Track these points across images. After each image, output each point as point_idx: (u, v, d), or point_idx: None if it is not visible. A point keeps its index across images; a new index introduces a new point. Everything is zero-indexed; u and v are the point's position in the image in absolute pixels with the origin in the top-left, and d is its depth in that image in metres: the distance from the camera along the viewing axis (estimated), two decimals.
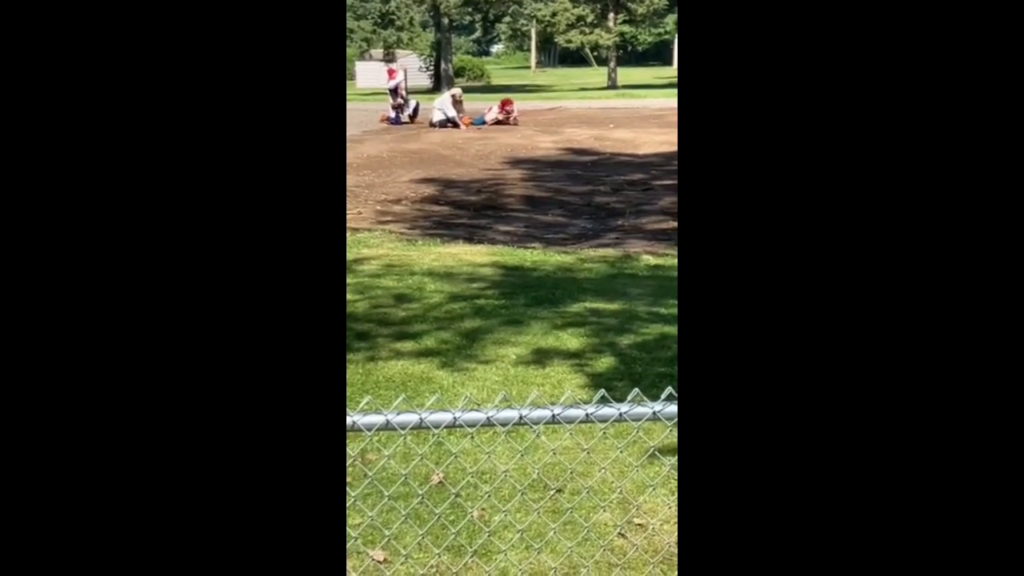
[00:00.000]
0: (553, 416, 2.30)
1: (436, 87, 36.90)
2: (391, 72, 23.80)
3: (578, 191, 12.99)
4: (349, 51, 45.32)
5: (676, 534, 1.90)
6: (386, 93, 23.20)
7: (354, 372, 5.33)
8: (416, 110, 22.87)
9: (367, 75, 42.24)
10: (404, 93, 22.99)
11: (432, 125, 21.22)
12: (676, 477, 1.70)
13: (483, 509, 3.69)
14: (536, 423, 2.30)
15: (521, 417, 2.29)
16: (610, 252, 9.05)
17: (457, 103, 21.49)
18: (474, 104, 23.97)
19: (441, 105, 21.63)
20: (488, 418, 2.29)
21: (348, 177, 13.86)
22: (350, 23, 40.40)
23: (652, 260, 8.62)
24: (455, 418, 2.27)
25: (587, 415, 2.30)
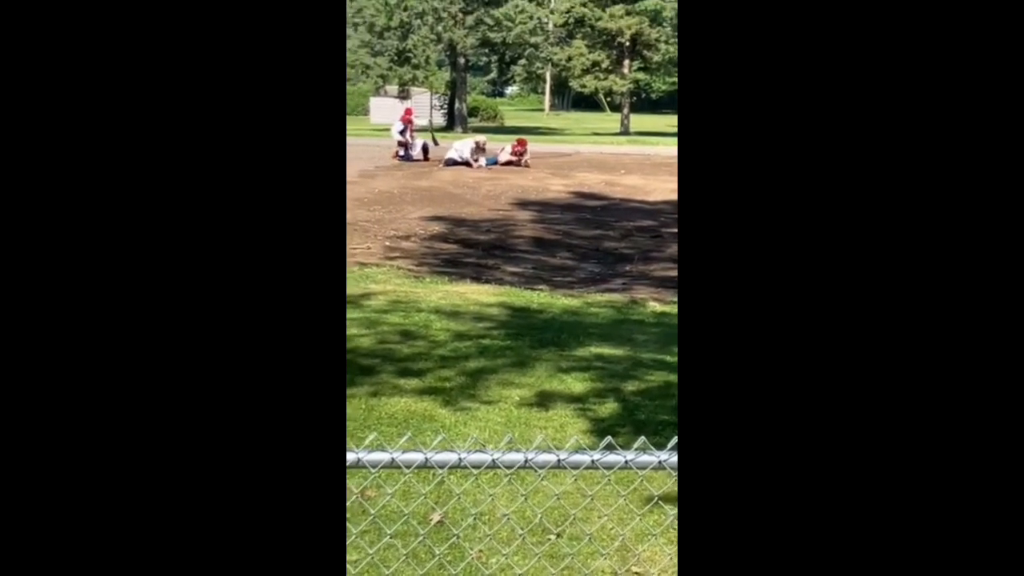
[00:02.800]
0: (558, 461, 2.30)
1: (450, 126, 37.12)
2: (408, 112, 23.89)
3: (587, 235, 13.02)
4: (364, 87, 45.64)
5: None
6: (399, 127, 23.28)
7: (357, 407, 5.32)
8: (426, 149, 22.96)
9: (381, 111, 42.50)
10: (411, 135, 23.06)
11: (445, 164, 21.31)
12: (677, 527, 1.70)
13: (482, 551, 3.67)
14: (541, 467, 2.30)
15: (526, 460, 2.29)
16: (617, 297, 9.06)
17: (479, 150, 21.60)
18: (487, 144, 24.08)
19: (460, 147, 21.76)
20: (493, 460, 2.28)
21: (358, 212, 13.92)
22: (366, 59, 40.72)
23: (659, 307, 8.62)
24: (460, 459, 2.26)
25: (592, 461, 2.29)
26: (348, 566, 3.41)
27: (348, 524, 3.65)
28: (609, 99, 47.26)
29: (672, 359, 6.49)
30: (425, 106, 37.78)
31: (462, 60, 40.99)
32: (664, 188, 18.45)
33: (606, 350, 6.82)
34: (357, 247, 11.23)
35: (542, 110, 59.31)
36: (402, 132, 22.98)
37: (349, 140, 29.57)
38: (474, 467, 2.27)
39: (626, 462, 2.30)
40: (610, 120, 45.28)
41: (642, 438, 2.39)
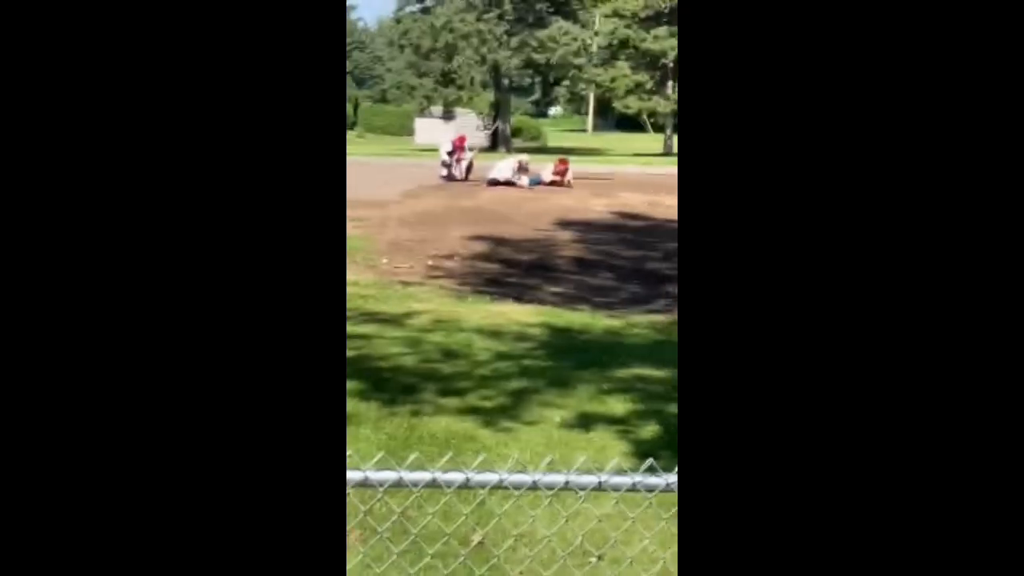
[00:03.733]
0: (599, 483, 2.29)
1: (494, 146, 37.27)
2: (462, 139, 24.05)
3: (629, 255, 12.99)
4: (409, 107, 45.95)
5: None
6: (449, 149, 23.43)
7: (398, 426, 5.33)
8: (470, 167, 23.08)
9: (426, 131, 42.77)
10: (458, 158, 23.17)
11: (488, 184, 21.39)
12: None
13: (522, 572, 3.66)
14: (582, 489, 2.29)
15: (567, 482, 2.28)
16: (659, 318, 9.01)
17: (523, 169, 21.68)
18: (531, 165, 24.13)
19: (503, 167, 21.85)
20: (534, 481, 2.28)
21: (401, 231, 14.00)
22: (412, 80, 41.01)
23: None
24: (501, 479, 2.26)
25: (633, 483, 2.28)
26: None
27: (389, 544, 3.65)
28: (652, 120, 47.17)
29: None
30: (470, 127, 37.96)
31: (506, 81, 41.19)
32: None
33: (648, 371, 6.79)
34: (400, 266, 11.29)
35: (585, 131, 59.36)
36: (450, 153, 23.13)
37: (393, 160, 29.79)
38: (515, 488, 2.27)
39: (667, 485, 2.28)
40: (653, 141, 45.22)
41: None
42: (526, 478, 2.27)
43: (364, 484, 2.21)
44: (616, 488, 2.30)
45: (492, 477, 2.26)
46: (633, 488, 2.28)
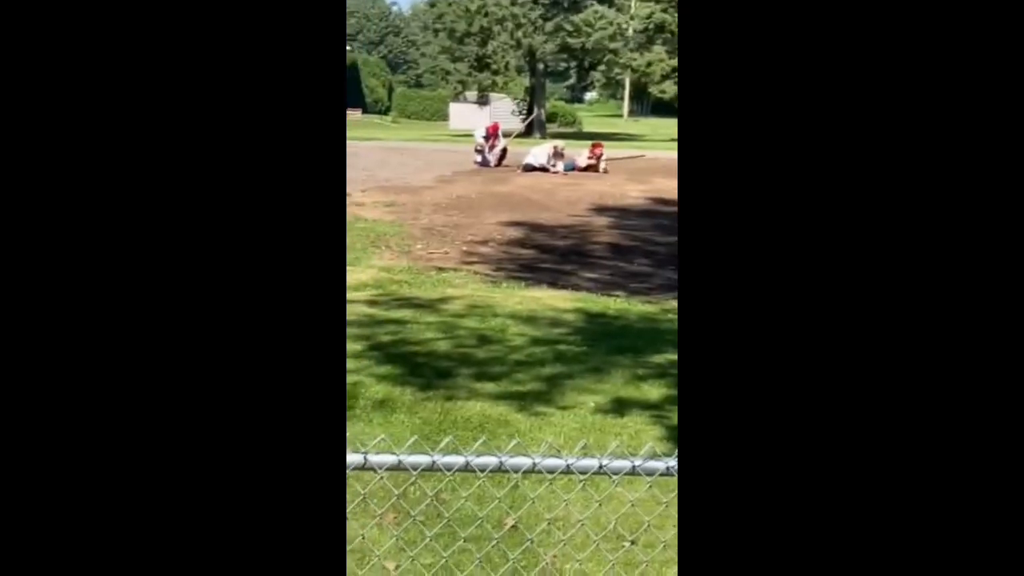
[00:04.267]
0: (633, 467, 2.29)
1: (529, 132, 37.25)
2: (495, 126, 24.00)
3: (664, 242, 12.94)
4: (444, 93, 45.93)
5: None
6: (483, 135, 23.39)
7: (432, 411, 5.35)
8: (504, 153, 23.04)
9: (460, 117, 42.78)
10: (491, 145, 23.12)
11: (523, 169, 21.37)
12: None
13: (556, 556, 3.67)
14: (615, 473, 2.29)
15: (601, 466, 2.28)
16: None
17: (558, 154, 21.61)
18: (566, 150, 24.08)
19: (538, 153, 21.80)
20: (568, 465, 2.28)
21: (435, 217, 14.02)
22: (446, 65, 41.00)
23: None
24: (534, 463, 2.27)
25: (667, 468, 2.28)
26: (422, 568, 3.43)
27: (422, 527, 3.68)
28: None
29: None
30: (505, 112, 37.89)
31: (541, 66, 41.08)
32: None
33: None
34: (435, 252, 11.31)
35: (621, 116, 59.12)
36: (484, 139, 23.11)
37: (428, 145, 29.82)
38: (548, 472, 2.27)
39: None
40: None
41: None
42: (559, 462, 2.28)
43: (397, 468, 2.22)
44: (650, 473, 2.29)
45: (525, 461, 2.27)
46: (667, 473, 2.28)
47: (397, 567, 3.56)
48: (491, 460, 2.25)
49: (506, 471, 2.27)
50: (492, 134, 23.30)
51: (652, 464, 2.29)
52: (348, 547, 3.19)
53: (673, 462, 2.27)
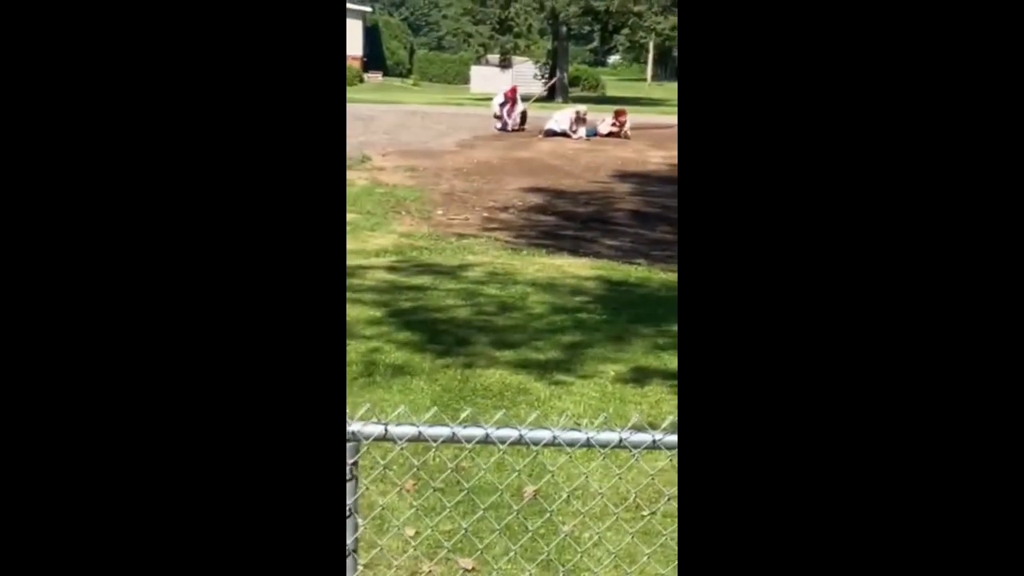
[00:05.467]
0: (654, 442, 2.27)
1: (551, 96, 37.01)
2: (513, 89, 23.81)
3: None
4: (466, 56, 45.67)
5: None
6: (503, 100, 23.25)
7: (452, 378, 5.36)
8: (524, 116, 22.90)
9: (482, 80, 42.57)
10: (509, 110, 22.93)
11: (544, 135, 21.26)
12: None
13: (575, 526, 3.67)
14: (636, 447, 2.27)
15: (621, 440, 2.27)
16: None
17: (580, 120, 21.45)
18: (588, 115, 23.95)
19: (560, 118, 21.66)
20: (588, 439, 2.27)
21: (456, 182, 13.98)
22: (468, 27, 40.75)
23: None
24: (554, 436, 2.26)
25: None
26: (440, 536, 3.44)
27: (441, 497, 3.69)
28: None
29: None
30: (527, 76, 37.64)
31: (564, 29, 40.76)
32: None
33: None
34: (455, 218, 11.29)
35: (644, 80, 58.68)
36: (502, 105, 22.97)
37: (450, 109, 29.69)
38: (568, 445, 2.26)
39: None
40: None
41: None
42: (579, 435, 2.26)
43: (418, 439, 2.21)
44: (670, 446, 2.28)
45: (545, 434, 2.26)
46: None
47: (416, 534, 3.58)
48: (511, 433, 2.24)
49: (526, 444, 2.26)
50: (510, 98, 23.14)
51: (672, 438, 2.28)
52: (368, 514, 3.20)
53: None
